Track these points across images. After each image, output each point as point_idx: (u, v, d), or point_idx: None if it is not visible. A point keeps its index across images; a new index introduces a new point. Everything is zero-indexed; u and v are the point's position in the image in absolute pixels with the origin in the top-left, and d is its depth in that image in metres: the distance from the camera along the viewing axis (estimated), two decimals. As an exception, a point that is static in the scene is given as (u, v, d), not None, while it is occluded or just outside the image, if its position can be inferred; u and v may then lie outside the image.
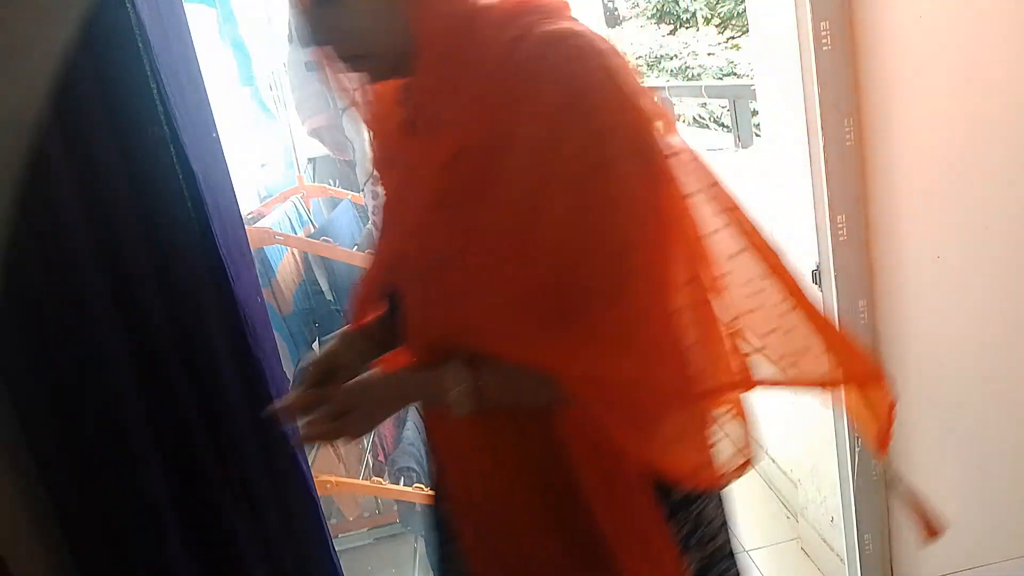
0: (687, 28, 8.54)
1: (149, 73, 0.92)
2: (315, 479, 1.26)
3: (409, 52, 0.70)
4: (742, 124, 2.27)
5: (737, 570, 0.97)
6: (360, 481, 1.84)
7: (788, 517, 2.20)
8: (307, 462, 1.15)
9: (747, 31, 1.91)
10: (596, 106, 0.66)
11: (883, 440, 0.92)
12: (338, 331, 0.92)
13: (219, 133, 1.09)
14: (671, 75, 8.07)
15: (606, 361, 0.68)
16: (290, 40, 1.77)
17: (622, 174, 0.67)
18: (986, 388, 1.21)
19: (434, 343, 0.74)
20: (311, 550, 1.16)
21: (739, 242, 0.75)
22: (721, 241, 0.74)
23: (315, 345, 1.85)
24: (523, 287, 0.69)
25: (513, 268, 0.69)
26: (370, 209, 1.72)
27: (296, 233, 1.90)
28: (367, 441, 2.13)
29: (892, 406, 0.88)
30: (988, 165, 1.10)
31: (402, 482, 1.82)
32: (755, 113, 2.07)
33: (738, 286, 0.75)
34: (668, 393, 0.71)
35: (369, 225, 1.82)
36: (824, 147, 1.37)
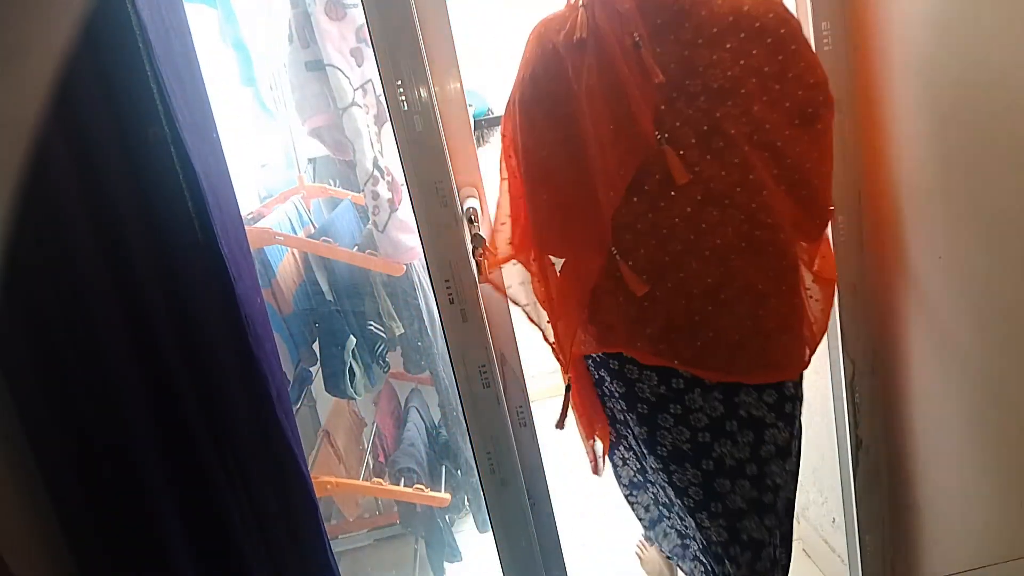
0: (689, 27, 8.51)
1: (150, 73, 0.92)
2: (315, 480, 1.26)
3: None
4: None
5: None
6: (360, 482, 1.84)
7: (789, 518, 2.20)
8: (306, 463, 1.15)
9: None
10: None
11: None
12: None
13: (219, 133, 1.09)
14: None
15: None
16: (290, 40, 1.77)
17: None
18: (989, 388, 1.21)
19: None
20: (310, 550, 1.16)
21: None
22: None
23: (315, 346, 1.85)
24: None
25: None
26: (370, 209, 1.72)
27: (296, 233, 1.90)
28: (367, 442, 2.13)
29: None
30: (989, 165, 1.10)
31: (402, 483, 1.83)
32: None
33: None
34: None
35: (369, 225, 1.81)
36: (825, 147, 1.37)
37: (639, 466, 1.39)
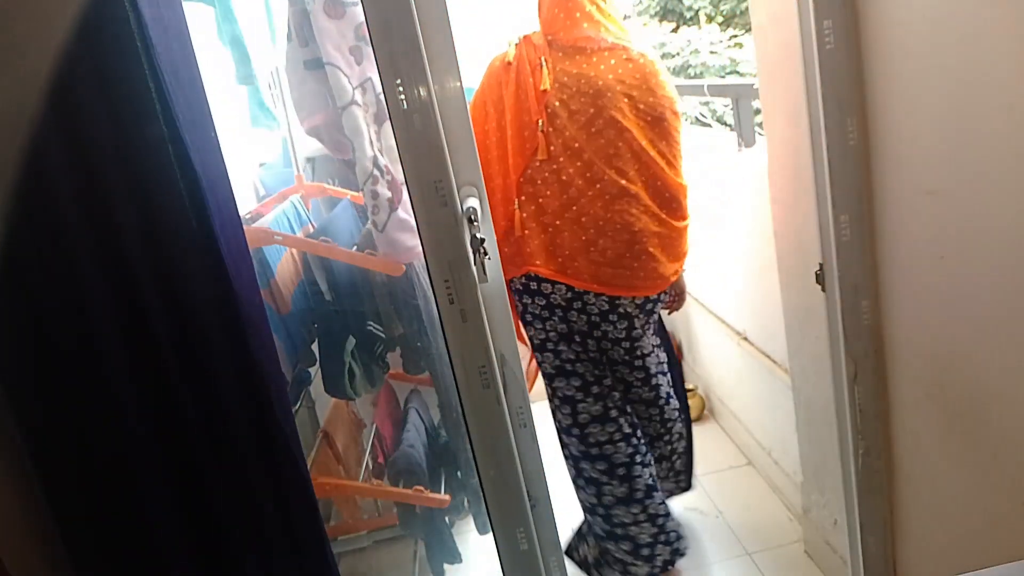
0: (690, 26, 8.52)
1: (148, 72, 0.91)
2: (314, 481, 1.25)
3: None
4: (744, 123, 2.26)
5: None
6: (359, 483, 1.83)
7: (791, 519, 2.19)
8: (306, 464, 1.14)
9: (750, 29, 1.90)
10: None
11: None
12: None
13: (218, 132, 1.08)
14: (673, 73, 8.05)
15: None
16: (289, 38, 1.76)
17: None
18: (990, 389, 1.20)
19: None
20: (309, 552, 1.15)
21: None
22: None
23: (314, 346, 1.84)
24: None
25: None
26: (370, 209, 1.71)
27: (295, 233, 1.89)
28: (366, 443, 2.12)
29: None
30: (991, 165, 1.09)
31: (402, 484, 1.82)
32: (758, 112, 2.06)
33: None
34: None
35: (368, 225, 1.80)
36: (827, 146, 1.36)
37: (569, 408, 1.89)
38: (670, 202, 1.73)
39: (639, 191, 1.67)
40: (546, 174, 1.69)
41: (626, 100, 1.64)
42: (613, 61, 1.65)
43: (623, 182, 1.66)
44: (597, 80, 1.64)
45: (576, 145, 1.66)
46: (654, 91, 1.66)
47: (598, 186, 1.66)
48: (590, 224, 1.68)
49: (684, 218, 1.77)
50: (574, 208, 1.68)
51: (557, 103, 1.65)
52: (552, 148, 1.67)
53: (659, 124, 1.67)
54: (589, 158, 1.66)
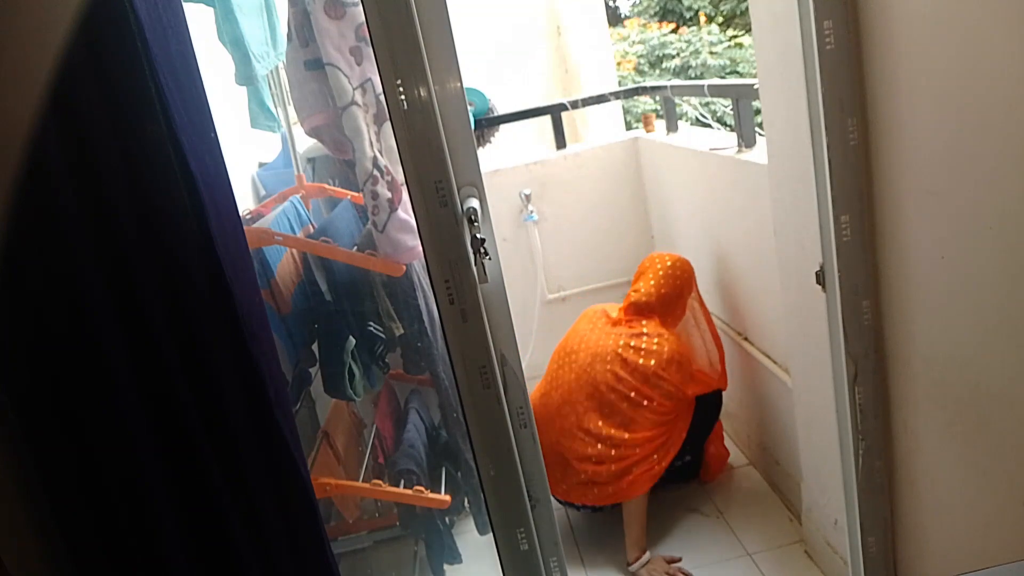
0: (690, 26, 8.52)
1: (148, 72, 0.91)
2: (314, 481, 1.25)
3: None
4: (745, 124, 2.25)
5: None
6: (359, 484, 1.83)
7: (792, 520, 2.19)
8: (306, 464, 1.14)
9: (750, 29, 1.90)
10: None
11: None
12: None
13: (218, 133, 1.08)
14: (673, 74, 8.06)
15: None
16: (289, 39, 1.76)
17: None
18: (990, 389, 1.20)
19: None
20: (309, 552, 1.15)
21: None
22: None
23: (314, 347, 1.84)
24: None
25: None
26: (369, 209, 1.71)
27: (295, 233, 1.89)
28: (367, 443, 2.12)
29: None
30: (993, 164, 1.09)
31: (402, 484, 1.82)
32: (758, 112, 2.06)
33: None
34: None
35: (368, 225, 1.80)
36: (828, 146, 1.36)
37: None
38: (616, 419, 2.14)
39: (591, 415, 2.15)
40: (558, 370, 2.29)
41: (634, 361, 2.17)
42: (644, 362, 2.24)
43: (581, 399, 2.18)
44: (628, 349, 2.24)
45: (584, 370, 2.22)
46: (669, 392, 2.16)
47: (570, 394, 2.22)
48: (555, 417, 2.21)
49: (633, 433, 2.13)
50: (550, 400, 2.24)
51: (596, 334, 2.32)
52: (570, 360, 2.31)
53: (645, 379, 2.17)
54: (579, 377, 2.23)
